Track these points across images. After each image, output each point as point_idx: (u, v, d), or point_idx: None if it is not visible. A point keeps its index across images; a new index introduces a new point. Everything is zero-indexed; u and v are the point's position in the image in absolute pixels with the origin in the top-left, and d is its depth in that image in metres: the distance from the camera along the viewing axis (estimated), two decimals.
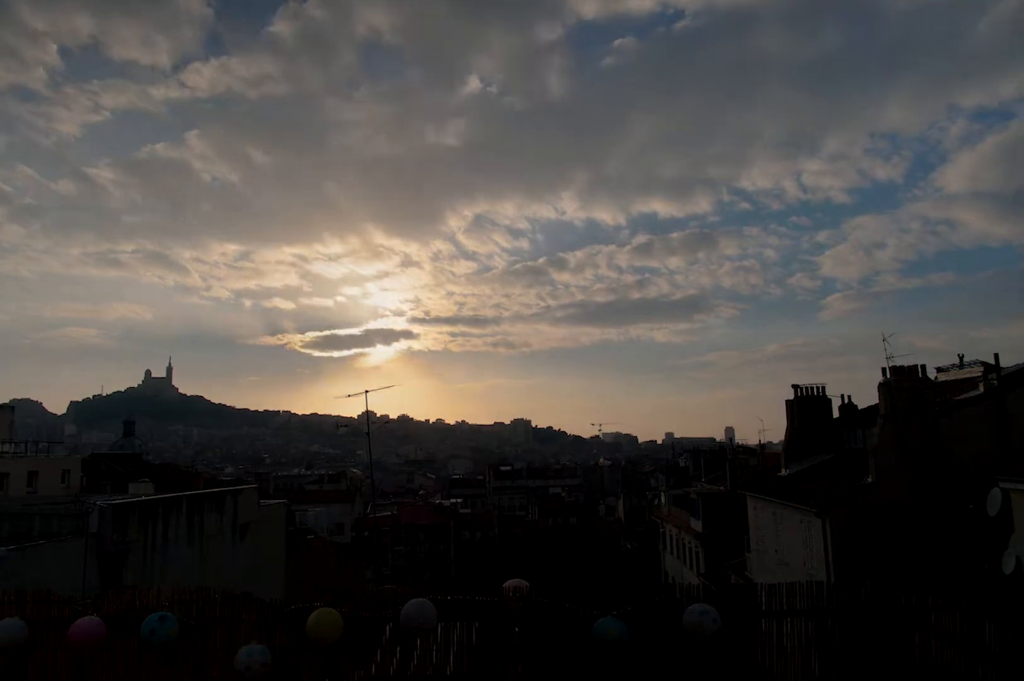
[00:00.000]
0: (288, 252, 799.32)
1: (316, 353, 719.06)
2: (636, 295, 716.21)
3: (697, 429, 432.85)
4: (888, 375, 19.32)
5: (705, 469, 43.46)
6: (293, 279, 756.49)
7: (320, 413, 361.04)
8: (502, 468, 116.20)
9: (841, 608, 7.11)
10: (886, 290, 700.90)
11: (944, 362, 24.83)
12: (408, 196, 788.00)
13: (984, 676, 6.79)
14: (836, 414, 26.11)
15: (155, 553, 18.40)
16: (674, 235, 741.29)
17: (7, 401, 49.70)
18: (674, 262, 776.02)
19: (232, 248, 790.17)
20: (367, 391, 33.81)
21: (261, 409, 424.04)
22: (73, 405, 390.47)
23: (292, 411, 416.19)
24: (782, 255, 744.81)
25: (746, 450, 42.61)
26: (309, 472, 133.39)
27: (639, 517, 68.12)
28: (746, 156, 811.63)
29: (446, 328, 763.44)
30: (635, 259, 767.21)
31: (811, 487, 21.50)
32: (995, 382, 19.61)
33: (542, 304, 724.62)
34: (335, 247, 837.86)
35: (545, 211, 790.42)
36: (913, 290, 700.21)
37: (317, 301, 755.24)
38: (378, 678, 7.13)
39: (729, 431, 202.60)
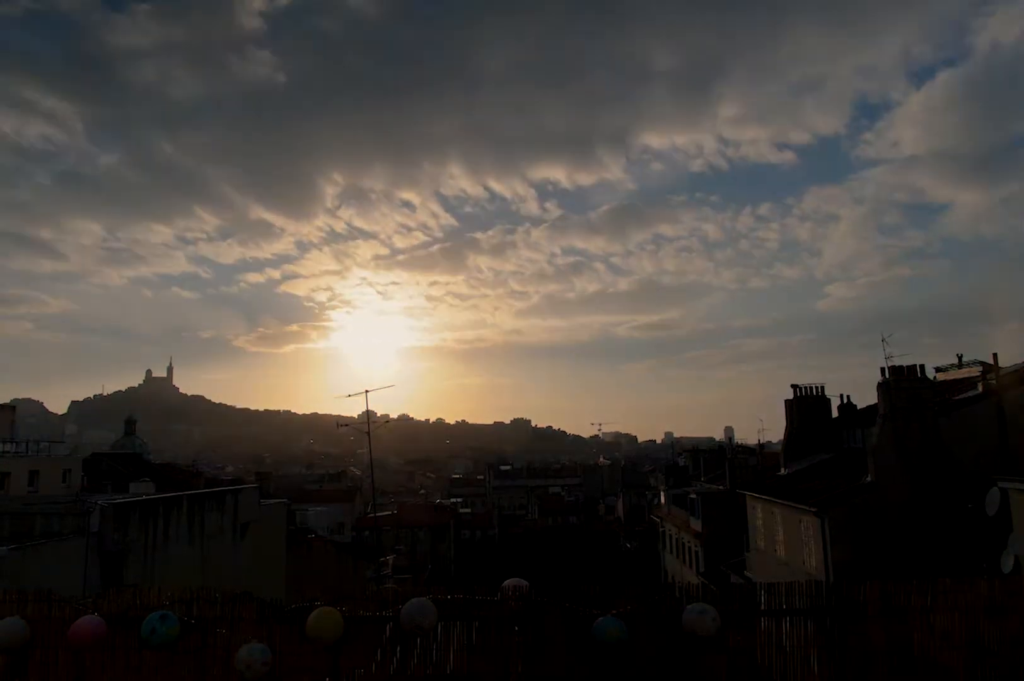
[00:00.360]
0: (164, 232, 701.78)
1: (252, 348, 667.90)
2: (580, 283, 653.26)
3: (696, 429, 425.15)
4: (887, 375, 19.35)
5: (704, 469, 43.46)
6: (183, 264, 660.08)
7: (320, 412, 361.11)
8: (502, 468, 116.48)
9: (840, 607, 7.13)
10: (874, 281, 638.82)
11: (943, 361, 24.89)
12: (262, 155, 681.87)
13: (983, 676, 6.82)
14: (835, 414, 26.16)
15: (156, 552, 18.43)
16: (592, 214, 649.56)
17: (8, 401, 49.81)
18: (600, 243, 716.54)
19: (90, 227, 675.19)
20: (367, 391, 33.73)
21: (262, 409, 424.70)
22: (74, 405, 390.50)
23: (292, 411, 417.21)
24: (727, 234, 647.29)
25: (745, 450, 42.64)
26: (309, 471, 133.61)
27: (639, 516, 68.21)
28: (642, 98, 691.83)
29: (381, 320, 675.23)
30: (556, 239, 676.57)
31: (810, 486, 21.52)
32: (994, 382, 19.64)
33: (476, 293, 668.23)
34: (211, 223, 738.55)
35: (427, 178, 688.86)
36: (907, 281, 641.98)
37: (224, 290, 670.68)
38: (378, 677, 7.15)
39: (728, 430, 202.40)
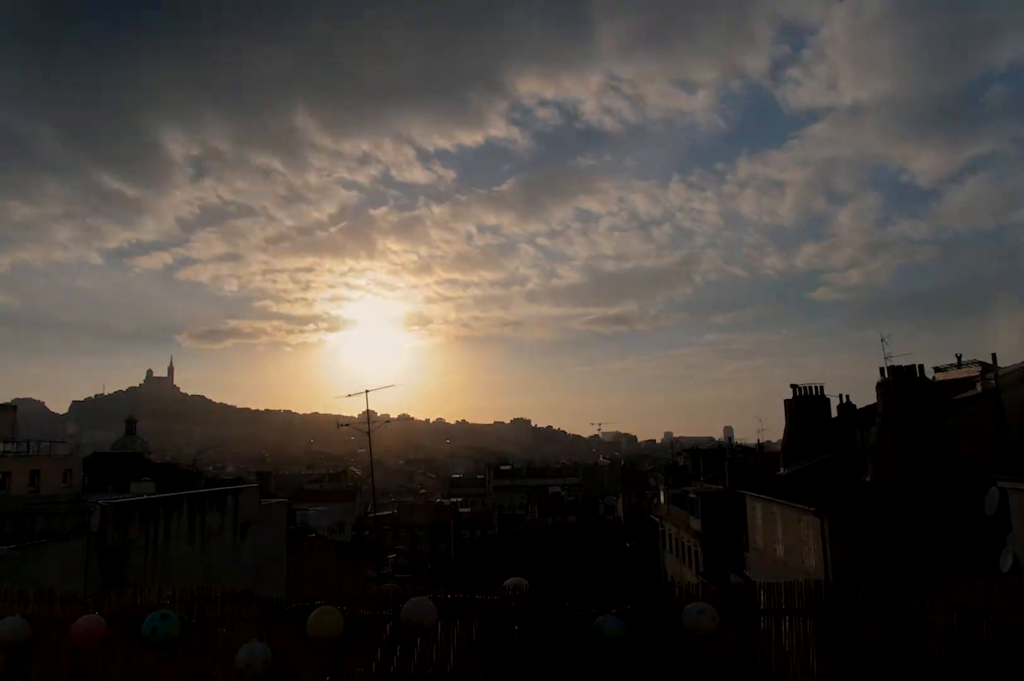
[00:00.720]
0: (23, 210, 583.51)
1: (190, 344, 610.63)
2: (512, 267, 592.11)
3: (696, 428, 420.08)
4: (886, 375, 19.37)
5: (704, 468, 43.47)
6: (64, 248, 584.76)
7: (321, 412, 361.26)
8: (502, 467, 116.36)
9: (839, 607, 7.14)
10: (861, 271, 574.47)
11: (942, 359, 24.93)
12: (80, 105, 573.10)
13: (982, 675, 6.82)
14: (835, 413, 26.17)
15: (156, 552, 18.44)
16: (497, 188, 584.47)
17: (9, 400, 49.83)
18: (511, 217, 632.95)
19: None
20: (367, 391, 33.73)
21: (262, 408, 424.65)
22: (75, 404, 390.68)
23: (293, 410, 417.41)
24: (662, 207, 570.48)
25: (745, 449, 42.67)
26: (310, 471, 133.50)
27: (638, 516, 68.10)
28: (505, 21, 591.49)
29: (311, 312, 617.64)
30: (464, 215, 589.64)
31: (810, 486, 21.54)
32: (993, 381, 19.66)
33: (403, 283, 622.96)
34: (61, 196, 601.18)
35: (274, 133, 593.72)
36: (895, 271, 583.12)
37: (119, 277, 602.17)
38: (379, 676, 7.16)
39: (728, 430, 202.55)
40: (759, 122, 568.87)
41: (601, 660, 7.03)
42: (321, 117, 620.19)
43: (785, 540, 22.14)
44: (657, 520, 47.35)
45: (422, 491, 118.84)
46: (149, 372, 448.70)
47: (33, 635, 7.27)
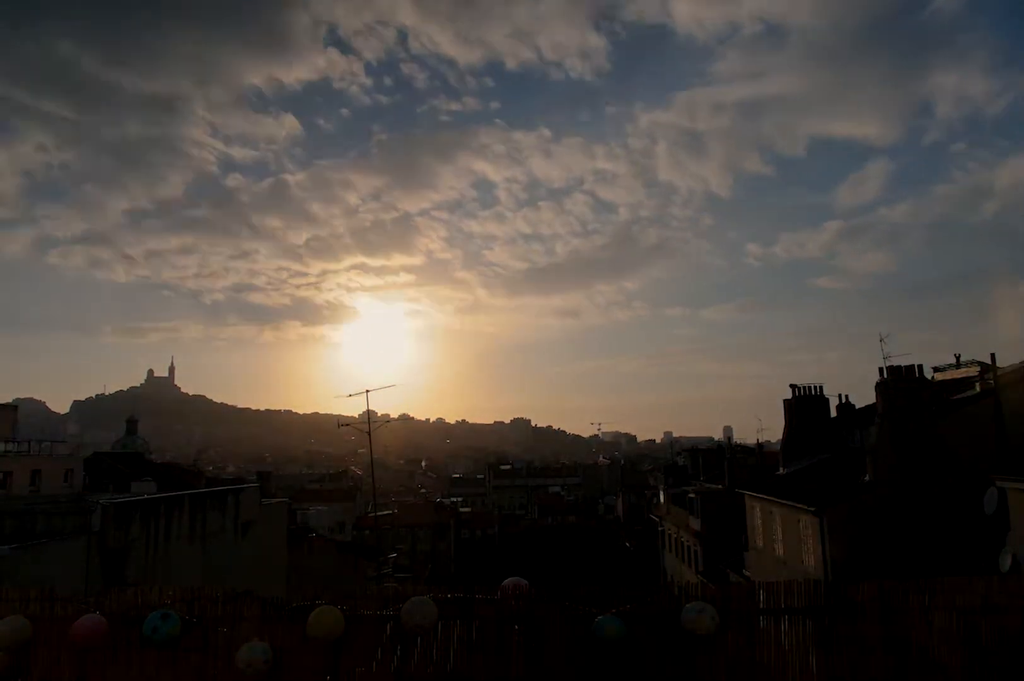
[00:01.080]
0: None
1: (110, 340, 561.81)
2: (425, 245, 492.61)
3: (696, 428, 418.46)
4: (885, 375, 19.38)
5: (703, 468, 43.47)
6: None
7: (321, 412, 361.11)
8: (502, 467, 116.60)
9: (838, 606, 7.15)
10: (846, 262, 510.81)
11: (941, 359, 24.96)
12: None
13: (982, 675, 6.84)
14: (834, 413, 26.19)
15: (157, 551, 18.47)
16: (366, 147, 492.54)
17: (10, 400, 49.90)
18: (379, 181, 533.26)
19: None
20: (368, 391, 33.74)
21: (263, 408, 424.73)
22: (76, 404, 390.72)
23: (293, 410, 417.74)
24: (563, 166, 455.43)
25: (744, 449, 42.70)
26: (310, 471, 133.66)
27: (638, 516, 68.19)
28: None
29: (216, 301, 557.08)
30: (334, 183, 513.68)
31: (809, 486, 21.57)
32: (992, 381, 19.67)
33: (310, 269, 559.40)
34: None
35: (43, 65, 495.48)
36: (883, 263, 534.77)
37: None
38: (379, 675, 7.18)
39: (728, 430, 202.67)
40: (640, 46, 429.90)
41: (601, 660, 7.05)
42: (92, 46, 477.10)
43: (784, 540, 22.16)
44: (657, 520, 47.37)
45: (422, 491, 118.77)
46: (150, 372, 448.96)
47: (34, 635, 7.28)
